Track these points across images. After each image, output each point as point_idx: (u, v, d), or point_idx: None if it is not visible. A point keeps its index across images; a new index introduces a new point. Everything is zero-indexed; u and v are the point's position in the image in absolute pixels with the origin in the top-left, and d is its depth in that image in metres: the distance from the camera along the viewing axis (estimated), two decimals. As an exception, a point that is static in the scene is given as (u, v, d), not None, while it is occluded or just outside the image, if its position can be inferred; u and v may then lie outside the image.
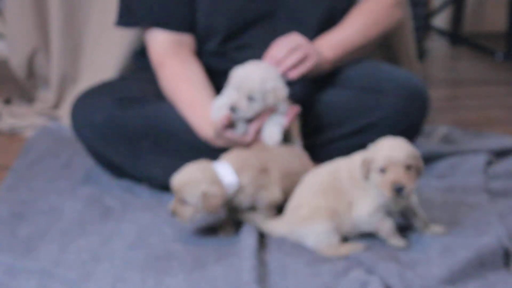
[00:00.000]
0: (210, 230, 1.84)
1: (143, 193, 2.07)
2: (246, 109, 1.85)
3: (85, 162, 2.23)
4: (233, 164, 1.79)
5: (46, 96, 2.78)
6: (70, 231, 1.84)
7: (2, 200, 2.02)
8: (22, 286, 1.61)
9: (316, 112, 2.06)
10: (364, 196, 1.73)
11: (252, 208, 1.82)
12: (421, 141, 2.33)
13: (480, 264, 1.65)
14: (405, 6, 2.24)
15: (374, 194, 1.72)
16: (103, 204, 2.00)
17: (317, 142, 2.06)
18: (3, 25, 3.13)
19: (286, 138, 1.93)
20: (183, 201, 1.75)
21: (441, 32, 4.02)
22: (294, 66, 1.93)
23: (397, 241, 1.74)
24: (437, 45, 3.95)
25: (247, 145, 1.89)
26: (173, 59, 2.06)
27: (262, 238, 1.80)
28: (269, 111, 1.88)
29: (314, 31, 2.09)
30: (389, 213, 1.75)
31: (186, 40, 2.10)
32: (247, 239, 1.74)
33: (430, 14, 3.86)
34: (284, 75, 1.91)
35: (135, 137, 2.01)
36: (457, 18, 3.97)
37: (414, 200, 1.78)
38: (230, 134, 1.89)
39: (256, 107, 1.86)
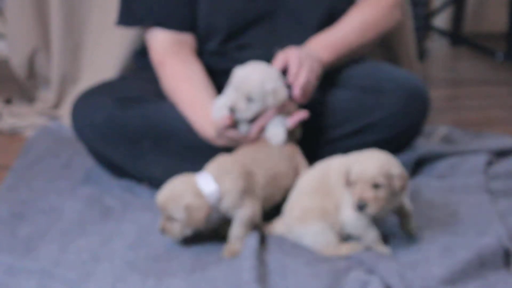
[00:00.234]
0: (210, 230, 1.84)
1: (143, 193, 2.06)
2: (245, 110, 1.85)
3: (85, 162, 2.23)
4: (213, 172, 1.75)
5: (46, 96, 2.79)
6: (70, 231, 1.84)
7: (2, 200, 2.02)
8: (22, 286, 1.61)
9: (317, 112, 2.05)
10: (349, 200, 1.70)
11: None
12: (421, 141, 2.33)
13: (481, 264, 1.65)
14: (404, 6, 2.24)
15: None
16: (103, 204, 2.00)
17: (318, 142, 2.06)
18: (3, 25, 3.14)
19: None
20: (170, 218, 1.72)
21: (442, 32, 4.01)
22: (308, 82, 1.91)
23: (381, 249, 1.72)
24: (437, 45, 3.95)
25: (249, 143, 1.89)
26: (174, 59, 2.06)
27: (263, 238, 1.80)
28: (275, 110, 1.87)
29: (314, 31, 2.09)
30: (375, 220, 1.71)
31: (186, 39, 2.10)
32: (247, 239, 1.74)
33: (430, 14, 3.86)
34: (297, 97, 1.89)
35: (135, 137, 2.01)
36: (457, 18, 3.96)
37: (406, 203, 1.75)
38: (232, 133, 1.88)
39: (254, 108, 1.85)
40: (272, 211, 1.85)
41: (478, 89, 3.20)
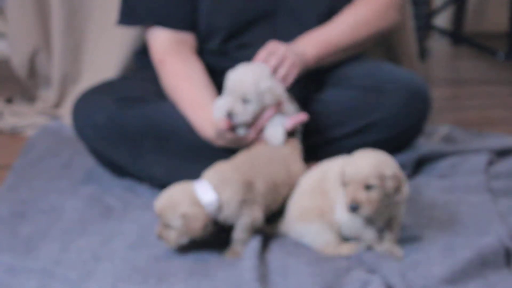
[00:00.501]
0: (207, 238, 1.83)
1: (144, 192, 2.06)
2: (243, 113, 1.84)
3: (86, 161, 2.23)
4: (212, 181, 1.72)
5: (47, 96, 2.79)
6: (70, 231, 1.84)
7: (3, 200, 2.02)
8: (22, 285, 1.61)
9: (317, 112, 2.05)
10: (344, 200, 1.67)
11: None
12: (422, 140, 2.32)
13: (482, 264, 1.65)
14: (403, 8, 2.23)
15: None
16: (104, 203, 1.99)
17: (318, 141, 2.06)
18: (4, 24, 3.14)
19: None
20: (166, 225, 1.71)
21: (443, 32, 4.01)
22: (273, 70, 1.91)
23: (396, 251, 1.71)
24: (438, 45, 3.95)
25: (248, 144, 1.89)
26: (174, 58, 2.06)
27: (264, 238, 1.79)
28: (272, 110, 1.87)
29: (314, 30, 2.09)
30: (370, 220, 1.70)
31: (187, 39, 2.10)
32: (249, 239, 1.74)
33: (431, 14, 3.86)
34: None
35: (136, 136, 2.01)
36: (458, 18, 3.96)
37: (401, 213, 1.71)
38: (232, 135, 1.88)
39: (252, 109, 1.85)
40: (275, 212, 1.85)
41: (479, 88, 3.20)
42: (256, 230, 1.75)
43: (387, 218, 1.69)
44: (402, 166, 2.10)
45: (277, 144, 1.87)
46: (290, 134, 1.90)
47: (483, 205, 1.93)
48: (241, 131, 1.88)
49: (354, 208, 1.61)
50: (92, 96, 2.07)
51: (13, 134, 2.63)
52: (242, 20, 2.09)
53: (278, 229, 1.82)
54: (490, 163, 2.21)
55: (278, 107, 1.87)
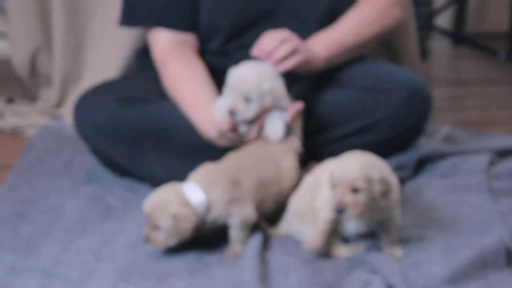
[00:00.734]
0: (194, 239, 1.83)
1: (145, 192, 2.06)
2: (245, 111, 1.84)
3: (86, 161, 2.23)
4: (200, 181, 1.73)
5: (48, 95, 2.79)
6: (71, 230, 1.84)
7: (4, 199, 2.02)
8: (23, 285, 1.61)
9: (318, 112, 2.06)
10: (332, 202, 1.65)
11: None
12: (423, 141, 2.32)
13: (483, 264, 1.65)
14: (406, 5, 2.23)
15: None
16: (105, 203, 2.00)
17: (319, 141, 2.06)
18: (5, 24, 3.14)
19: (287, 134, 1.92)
20: (155, 227, 1.71)
21: (444, 32, 4.01)
22: (283, 58, 1.90)
23: (396, 252, 1.71)
24: (439, 45, 3.95)
25: (250, 142, 1.89)
26: (176, 58, 2.06)
27: (265, 238, 1.79)
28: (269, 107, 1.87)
29: (315, 29, 2.09)
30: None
31: (188, 39, 2.10)
32: (250, 240, 1.74)
33: (432, 14, 3.86)
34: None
35: (137, 136, 2.01)
36: (459, 18, 3.96)
37: (395, 216, 1.70)
38: (234, 135, 1.88)
39: (254, 107, 1.85)
40: (276, 212, 1.85)
41: (480, 89, 3.19)
42: (251, 228, 1.75)
43: (379, 221, 1.69)
44: (403, 166, 2.11)
45: (278, 140, 1.87)
46: (289, 128, 1.90)
47: (483, 205, 1.93)
48: (242, 128, 1.88)
49: (340, 211, 1.60)
50: (93, 96, 2.07)
51: (14, 134, 2.63)
52: (243, 20, 2.09)
53: (279, 229, 1.82)
54: (491, 163, 2.21)
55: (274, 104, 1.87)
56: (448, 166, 2.18)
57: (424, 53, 3.56)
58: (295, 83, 2.00)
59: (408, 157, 2.12)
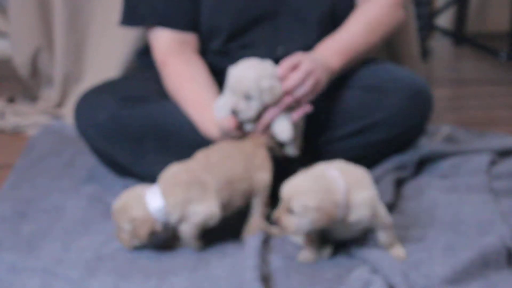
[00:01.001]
0: (213, 229, 1.84)
1: (146, 192, 2.06)
2: (246, 110, 1.84)
3: (88, 160, 2.23)
4: (163, 185, 1.73)
5: (49, 95, 2.79)
6: (73, 230, 1.84)
7: (5, 199, 2.02)
8: (25, 284, 1.61)
9: (319, 112, 2.05)
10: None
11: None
12: (424, 140, 2.32)
13: (483, 264, 1.65)
14: (407, 5, 2.23)
15: None
16: (106, 202, 2.00)
17: (319, 141, 2.06)
18: (6, 23, 3.14)
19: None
20: (120, 228, 1.73)
21: (445, 32, 4.01)
22: (306, 94, 1.87)
23: (397, 251, 1.71)
24: (440, 45, 3.95)
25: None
26: (177, 58, 2.06)
27: (266, 238, 1.79)
28: (280, 109, 1.85)
29: (316, 29, 2.09)
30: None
31: (189, 39, 2.10)
32: (251, 240, 1.74)
33: (433, 14, 3.85)
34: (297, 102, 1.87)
35: (138, 136, 2.01)
36: (460, 18, 3.96)
37: (383, 215, 1.69)
38: (239, 132, 1.87)
39: (255, 105, 1.84)
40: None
41: (481, 88, 3.19)
42: (206, 227, 1.74)
43: (361, 232, 1.70)
44: (404, 166, 2.11)
45: (286, 139, 1.85)
46: (295, 127, 1.89)
47: (485, 205, 1.93)
48: (248, 127, 1.87)
49: (275, 223, 1.64)
50: (94, 95, 2.07)
51: (15, 133, 2.63)
52: (244, 20, 2.09)
53: (274, 214, 1.81)
54: (492, 163, 2.21)
55: (283, 105, 1.85)
56: (449, 166, 2.18)
57: (425, 53, 3.56)
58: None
59: (409, 157, 2.12)
